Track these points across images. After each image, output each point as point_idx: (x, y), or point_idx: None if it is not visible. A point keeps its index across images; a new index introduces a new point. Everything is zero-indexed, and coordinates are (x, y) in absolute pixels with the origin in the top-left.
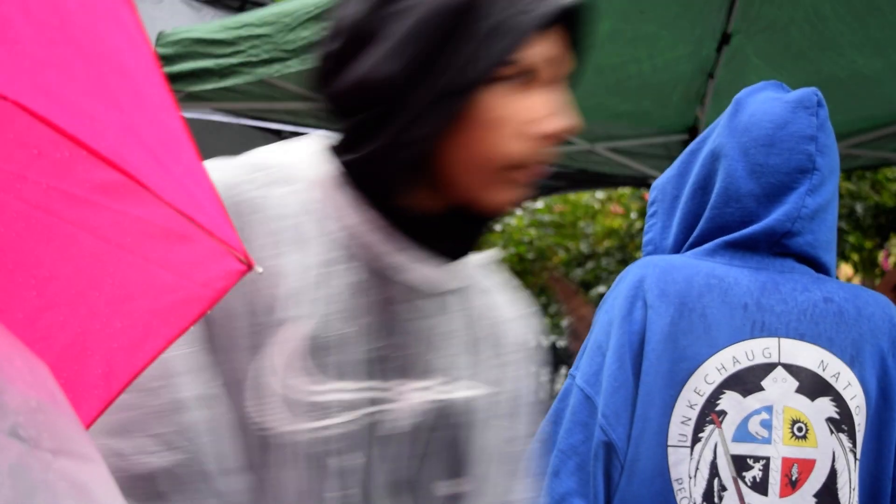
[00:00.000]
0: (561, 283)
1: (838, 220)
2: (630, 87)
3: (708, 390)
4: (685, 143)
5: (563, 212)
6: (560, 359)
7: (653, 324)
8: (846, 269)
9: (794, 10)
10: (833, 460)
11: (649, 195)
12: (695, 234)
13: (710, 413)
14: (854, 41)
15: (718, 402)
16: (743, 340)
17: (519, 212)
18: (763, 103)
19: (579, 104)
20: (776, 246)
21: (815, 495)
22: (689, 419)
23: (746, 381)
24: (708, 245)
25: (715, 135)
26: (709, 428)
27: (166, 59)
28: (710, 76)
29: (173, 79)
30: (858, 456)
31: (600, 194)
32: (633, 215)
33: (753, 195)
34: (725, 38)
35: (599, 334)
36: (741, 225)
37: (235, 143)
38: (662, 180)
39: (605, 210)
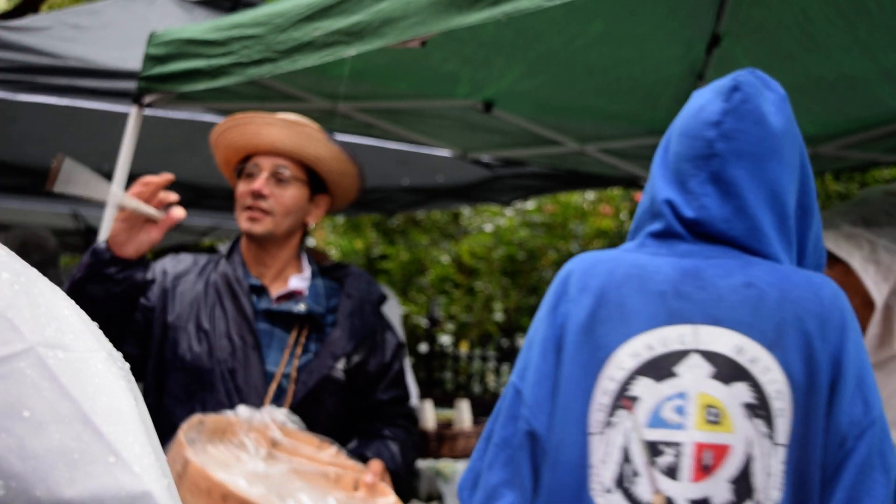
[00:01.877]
0: None
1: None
2: (620, 88)
3: (621, 377)
4: None
5: (553, 212)
6: None
7: (572, 316)
8: None
9: (783, 13)
10: (749, 446)
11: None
12: (631, 227)
13: (621, 398)
14: (843, 43)
15: (631, 388)
16: (658, 328)
17: (510, 212)
18: (700, 95)
19: (570, 105)
20: (694, 233)
21: (732, 481)
22: (605, 405)
23: (661, 367)
24: (637, 239)
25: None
26: (620, 413)
27: (158, 60)
28: (699, 77)
29: (165, 79)
30: (779, 441)
31: (591, 195)
32: (623, 216)
33: (669, 184)
34: (715, 40)
35: (531, 332)
36: (660, 214)
37: None
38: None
39: (595, 211)
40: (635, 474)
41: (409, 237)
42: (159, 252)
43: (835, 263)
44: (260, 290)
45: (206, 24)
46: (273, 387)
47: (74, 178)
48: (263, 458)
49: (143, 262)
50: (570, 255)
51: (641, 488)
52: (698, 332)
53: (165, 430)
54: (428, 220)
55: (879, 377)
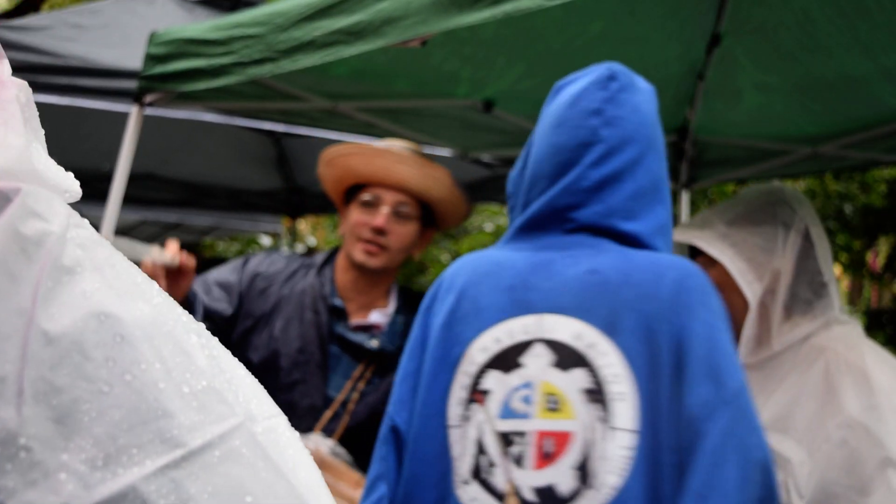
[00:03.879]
0: None
1: (826, 221)
2: None
3: (473, 371)
4: (675, 144)
5: None
6: None
7: (436, 315)
8: (834, 270)
9: (783, 12)
10: (589, 431)
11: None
12: (511, 223)
13: (474, 392)
14: (843, 43)
15: (482, 381)
16: (505, 320)
17: None
18: (568, 86)
19: None
20: (566, 222)
21: (575, 467)
22: (462, 399)
23: (508, 359)
24: (509, 232)
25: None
26: (473, 406)
27: (158, 60)
28: (699, 77)
29: (165, 79)
30: (617, 426)
31: None
32: None
33: (547, 176)
34: (715, 40)
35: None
36: (528, 205)
37: (227, 143)
38: (513, 173)
39: None
40: (492, 465)
41: None
42: None
43: (715, 263)
44: (340, 313)
45: (206, 24)
46: (329, 413)
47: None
48: None
49: (189, 301)
50: None
51: (497, 478)
52: (542, 321)
53: None
54: None
55: (757, 378)
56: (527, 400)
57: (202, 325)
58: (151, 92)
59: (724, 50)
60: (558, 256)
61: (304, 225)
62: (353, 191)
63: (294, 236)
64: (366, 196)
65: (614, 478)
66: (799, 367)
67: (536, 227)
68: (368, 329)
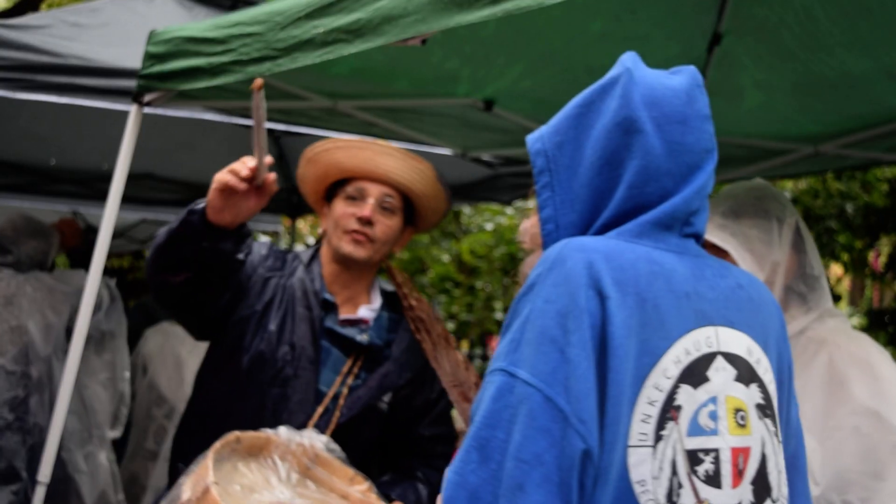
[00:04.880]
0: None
1: (828, 220)
2: None
3: (667, 385)
4: None
5: None
6: None
7: (615, 317)
8: (836, 269)
9: (784, 11)
10: (763, 446)
11: (533, 161)
12: (609, 213)
13: (669, 409)
14: (844, 41)
15: (676, 396)
16: (691, 331)
17: (510, 211)
18: (658, 78)
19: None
20: (685, 226)
21: (752, 482)
22: (650, 417)
23: (696, 372)
24: (631, 226)
25: (616, 105)
26: (669, 425)
27: (158, 58)
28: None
29: (164, 77)
30: (781, 439)
31: None
32: None
33: (671, 174)
34: (716, 39)
35: (549, 326)
36: (658, 204)
37: (227, 141)
38: (548, 146)
39: None
40: (680, 486)
41: None
42: None
43: (720, 256)
44: (330, 307)
45: (205, 23)
46: (320, 409)
47: None
48: (293, 485)
49: (240, 231)
50: None
51: (685, 499)
52: (718, 333)
53: (203, 412)
54: None
55: None
56: (713, 416)
57: None
58: (151, 91)
59: (725, 49)
60: (699, 263)
61: (303, 224)
62: (334, 188)
63: (293, 236)
64: (351, 189)
65: (786, 489)
66: (800, 359)
67: (663, 226)
68: (356, 323)
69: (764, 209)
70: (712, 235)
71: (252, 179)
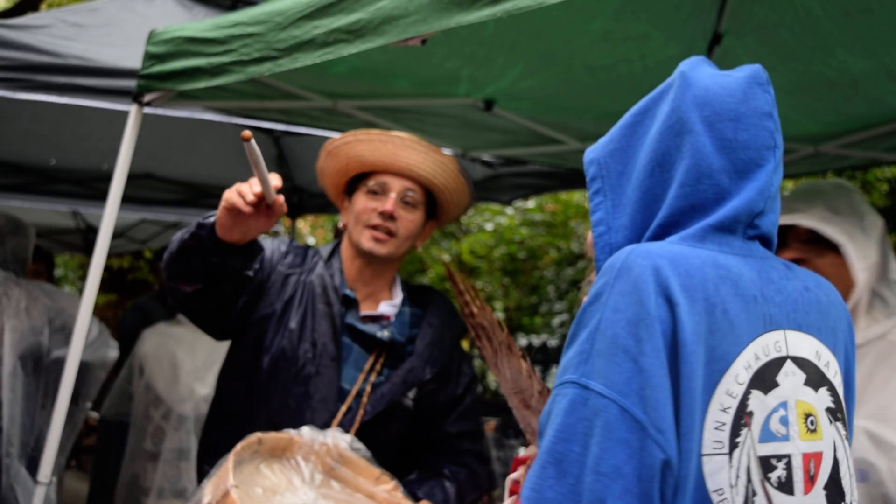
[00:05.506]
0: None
1: None
2: (621, 87)
3: (739, 391)
4: None
5: (554, 211)
6: (550, 358)
7: (685, 323)
8: None
9: (785, 11)
10: (834, 450)
11: (586, 170)
12: (663, 214)
13: (743, 416)
14: (844, 41)
15: (748, 402)
16: (760, 335)
17: (510, 211)
18: (714, 77)
19: (571, 104)
20: (749, 228)
21: (825, 488)
22: (724, 424)
23: (766, 377)
24: (692, 230)
25: (668, 109)
26: (744, 432)
27: (157, 58)
28: None
29: (164, 78)
30: (849, 444)
31: None
32: None
33: (725, 171)
34: (717, 38)
35: (620, 335)
36: (715, 203)
37: (227, 142)
38: (601, 154)
39: None
40: (754, 493)
41: None
42: (160, 252)
43: (825, 252)
44: (351, 303)
45: (206, 23)
46: (344, 407)
47: None
48: (317, 486)
49: (250, 248)
50: (571, 253)
51: None
52: (787, 337)
53: (226, 412)
54: None
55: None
56: (784, 421)
57: None
58: (151, 91)
59: (726, 49)
60: (765, 266)
61: (303, 224)
62: (355, 182)
63: (293, 236)
64: (372, 183)
65: (857, 493)
66: (885, 362)
67: (726, 229)
68: (377, 319)
69: (857, 209)
70: (826, 227)
71: (258, 204)
